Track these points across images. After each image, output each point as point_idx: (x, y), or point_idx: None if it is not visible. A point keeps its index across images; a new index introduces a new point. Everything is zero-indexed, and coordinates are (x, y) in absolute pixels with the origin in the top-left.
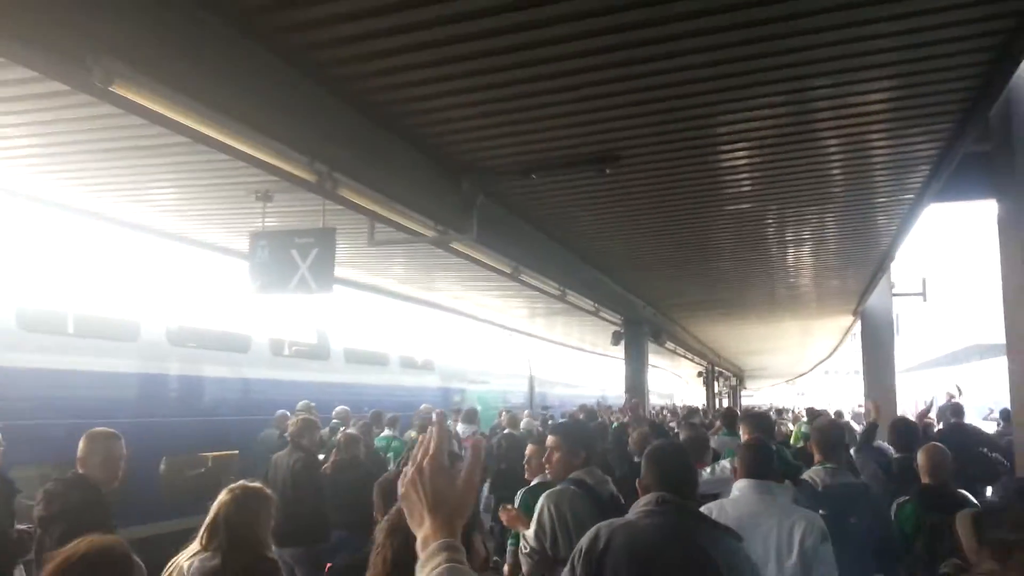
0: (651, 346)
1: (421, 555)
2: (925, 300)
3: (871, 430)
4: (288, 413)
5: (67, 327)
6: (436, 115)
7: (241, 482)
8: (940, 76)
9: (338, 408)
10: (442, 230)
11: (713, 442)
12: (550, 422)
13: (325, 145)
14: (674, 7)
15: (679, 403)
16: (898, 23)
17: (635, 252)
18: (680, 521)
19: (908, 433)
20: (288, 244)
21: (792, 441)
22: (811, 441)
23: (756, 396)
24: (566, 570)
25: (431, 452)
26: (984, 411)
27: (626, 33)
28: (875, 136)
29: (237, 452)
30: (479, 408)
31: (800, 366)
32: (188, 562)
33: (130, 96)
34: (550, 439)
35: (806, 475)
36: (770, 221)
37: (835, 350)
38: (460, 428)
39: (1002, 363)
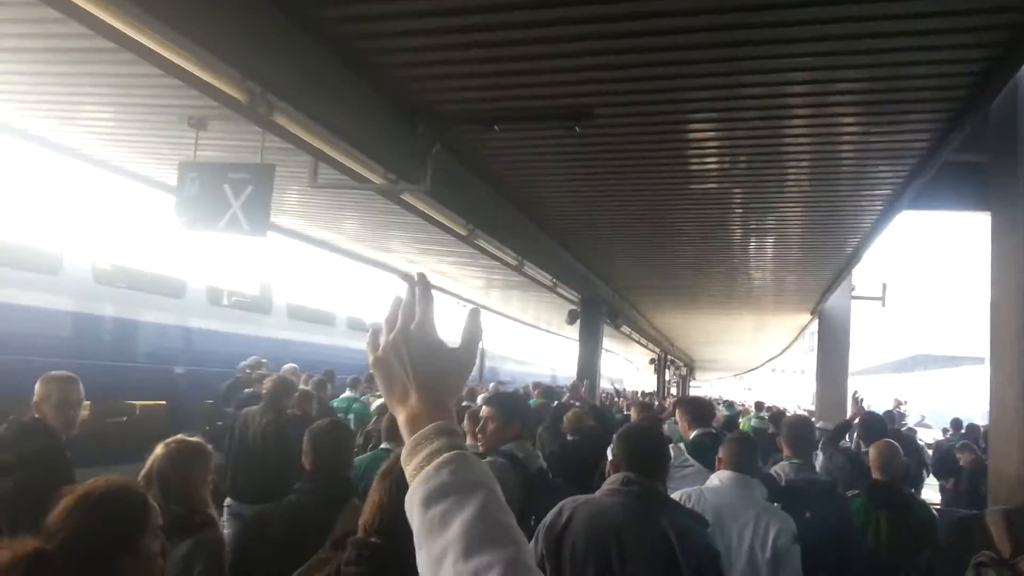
0: (606, 329)
1: (408, 438)
2: (884, 306)
3: (844, 428)
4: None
5: None
6: (392, 45)
7: (178, 436)
8: (925, 83)
9: (286, 366)
10: (392, 179)
11: (665, 428)
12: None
13: (261, 63)
14: None
15: (629, 389)
16: (884, 23)
17: (596, 223)
18: (644, 502)
19: (877, 427)
20: (220, 178)
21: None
22: (780, 436)
23: (704, 388)
24: (531, 544)
25: (418, 313)
26: (917, 417)
27: None
28: (850, 134)
29: (165, 403)
30: None
31: (751, 362)
32: None
33: None
34: (485, 409)
35: (772, 469)
36: (735, 207)
37: (787, 348)
38: None
39: (944, 374)
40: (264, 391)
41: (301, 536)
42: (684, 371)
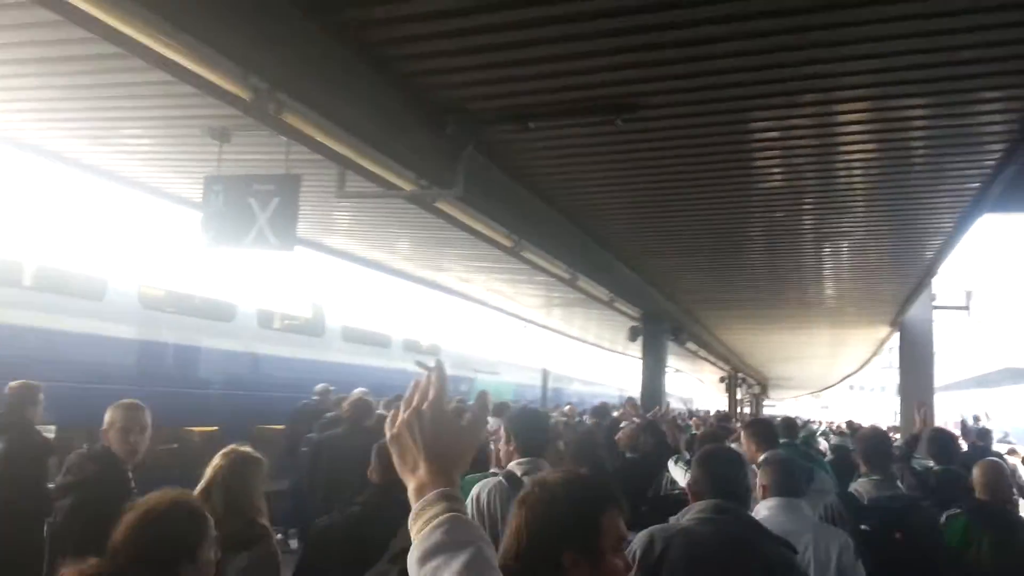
0: (672, 347)
1: (414, 505)
2: (969, 315)
3: (913, 442)
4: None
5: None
6: (415, 39)
7: (232, 445)
8: (1002, 66)
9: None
10: (425, 185)
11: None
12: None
13: (266, 57)
14: None
15: (700, 409)
16: (952, 20)
17: (650, 230)
18: (739, 530)
19: (948, 445)
20: (245, 191)
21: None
22: (856, 452)
23: (779, 406)
24: None
25: (431, 395)
26: (1000, 434)
27: None
28: (920, 126)
29: (217, 428)
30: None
31: (827, 379)
32: None
33: None
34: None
35: (852, 487)
36: (803, 209)
37: (867, 363)
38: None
39: None
40: (344, 414)
41: (362, 548)
42: (757, 389)
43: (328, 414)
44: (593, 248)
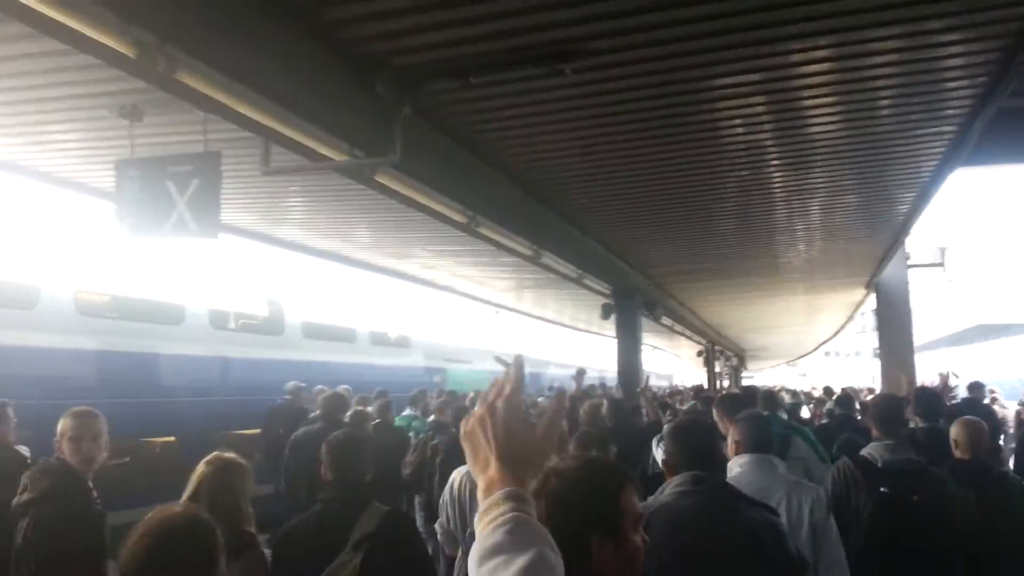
0: (648, 324)
1: (483, 502)
2: (944, 271)
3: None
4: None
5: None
6: None
7: (216, 452)
8: (970, 18)
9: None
10: (359, 155)
11: None
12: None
13: (150, 4)
14: None
15: (679, 384)
16: None
17: (614, 200)
18: (720, 499)
19: (932, 403)
20: (162, 174)
21: None
22: (868, 416)
23: (757, 377)
24: None
25: (507, 391)
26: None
27: None
28: (889, 83)
29: (175, 438)
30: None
31: (803, 347)
32: None
33: None
34: None
35: (865, 451)
36: (774, 169)
37: (842, 328)
38: None
39: (1004, 344)
40: (319, 409)
41: (327, 541)
42: (735, 362)
43: (313, 413)
44: (555, 221)
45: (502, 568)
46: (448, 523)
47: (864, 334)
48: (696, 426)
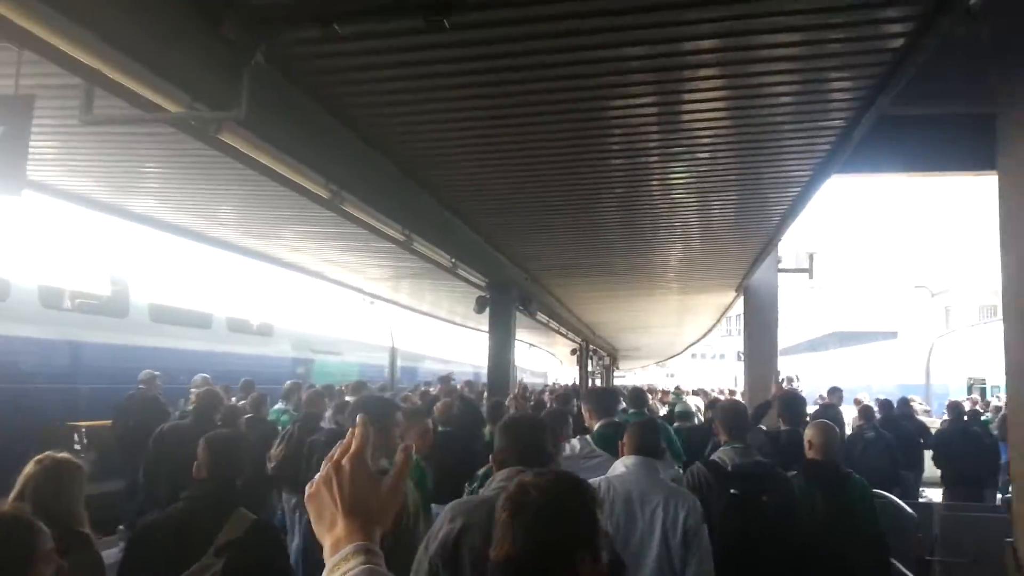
0: (525, 321)
1: (329, 560)
2: (811, 277)
3: (764, 407)
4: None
5: None
6: None
7: (48, 452)
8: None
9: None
10: (201, 108)
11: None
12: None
13: None
14: None
15: (552, 383)
16: None
17: (490, 183)
18: None
19: (796, 407)
20: None
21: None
22: (716, 421)
23: (628, 377)
24: (419, 557)
25: (352, 450)
26: (814, 396)
27: None
28: (784, 82)
29: None
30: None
31: (673, 348)
32: None
33: None
34: None
35: (715, 455)
36: (653, 169)
37: (709, 331)
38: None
39: (857, 351)
40: (191, 406)
41: (187, 543)
42: (607, 360)
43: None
44: (429, 204)
45: None
46: None
47: (729, 337)
48: (527, 421)
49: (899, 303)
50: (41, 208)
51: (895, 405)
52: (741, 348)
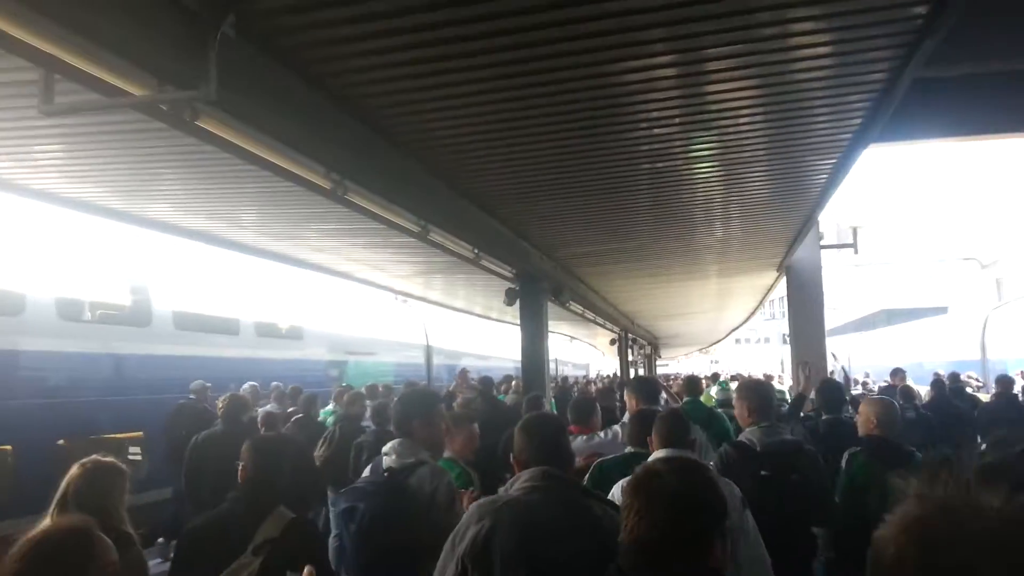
0: (563, 313)
1: None
2: (856, 252)
3: (800, 401)
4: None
5: None
6: None
7: (93, 456)
8: None
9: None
10: (168, 91)
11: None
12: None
13: None
14: None
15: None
16: None
17: (512, 165)
18: (569, 495)
19: (836, 395)
20: None
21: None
22: (737, 400)
23: (671, 365)
24: (444, 556)
25: None
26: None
27: None
28: (806, 53)
29: (11, 447)
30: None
31: (715, 333)
32: None
33: None
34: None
35: (743, 436)
36: (684, 140)
37: (752, 314)
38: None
39: (907, 328)
40: (219, 411)
41: (229, 543)
42: (648, 349)
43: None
44: (441, 189)
45: None
46: None
47: (773, 321)
48: (547, 421)
49: (948, 277)
50: (58, 218)
51: (946, 383)
52: (786, 331)
